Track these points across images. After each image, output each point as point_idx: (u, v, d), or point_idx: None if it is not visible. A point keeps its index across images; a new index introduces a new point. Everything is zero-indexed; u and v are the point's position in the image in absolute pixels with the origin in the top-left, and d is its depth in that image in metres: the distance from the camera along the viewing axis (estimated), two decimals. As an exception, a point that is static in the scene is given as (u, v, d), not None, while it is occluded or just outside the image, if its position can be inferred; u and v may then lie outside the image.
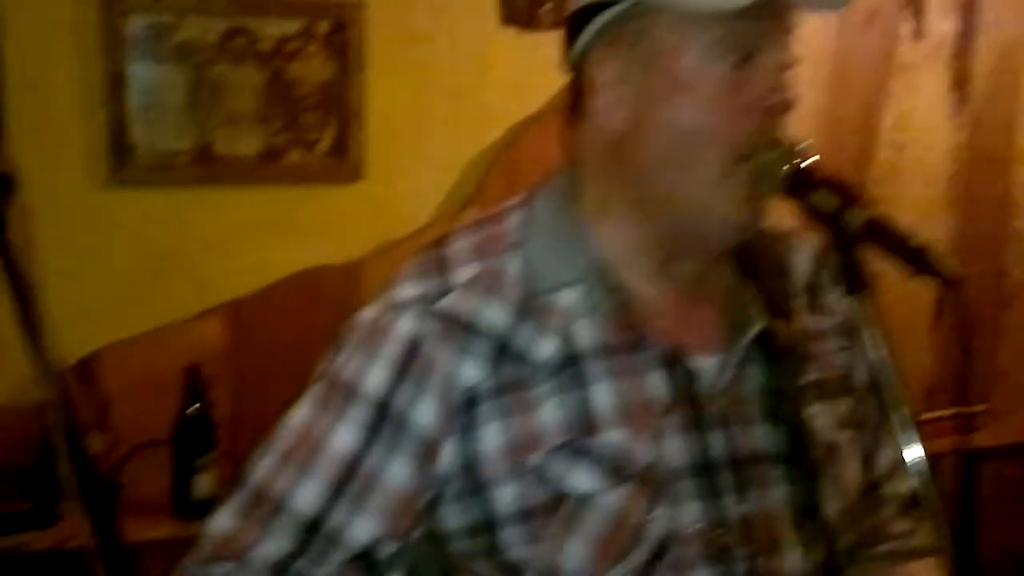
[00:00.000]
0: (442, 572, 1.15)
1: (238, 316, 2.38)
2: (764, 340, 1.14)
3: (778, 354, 1.14)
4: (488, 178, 2.55)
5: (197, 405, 2.19)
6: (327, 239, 2.45)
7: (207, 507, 2.15)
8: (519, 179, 2.47)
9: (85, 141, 2.30)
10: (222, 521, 1.08)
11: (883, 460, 1.27)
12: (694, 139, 1.06)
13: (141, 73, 2.31)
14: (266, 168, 2.44)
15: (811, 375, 1.16)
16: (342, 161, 2.48)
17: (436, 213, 2.55)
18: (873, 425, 1.25)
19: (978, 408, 2.69)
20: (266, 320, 2.41)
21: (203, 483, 2.17)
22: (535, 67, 2.51)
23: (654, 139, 1.07)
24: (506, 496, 1.07)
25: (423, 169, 2.52)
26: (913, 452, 0.98)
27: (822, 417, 1.16)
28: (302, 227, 2.44)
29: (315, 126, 2.46)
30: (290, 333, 2.41)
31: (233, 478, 2.22)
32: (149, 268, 2.34)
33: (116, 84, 2.29)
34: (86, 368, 2.27)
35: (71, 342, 2.23)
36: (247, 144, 2.42)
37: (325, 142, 2.47)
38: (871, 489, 1.27)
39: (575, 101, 1.14)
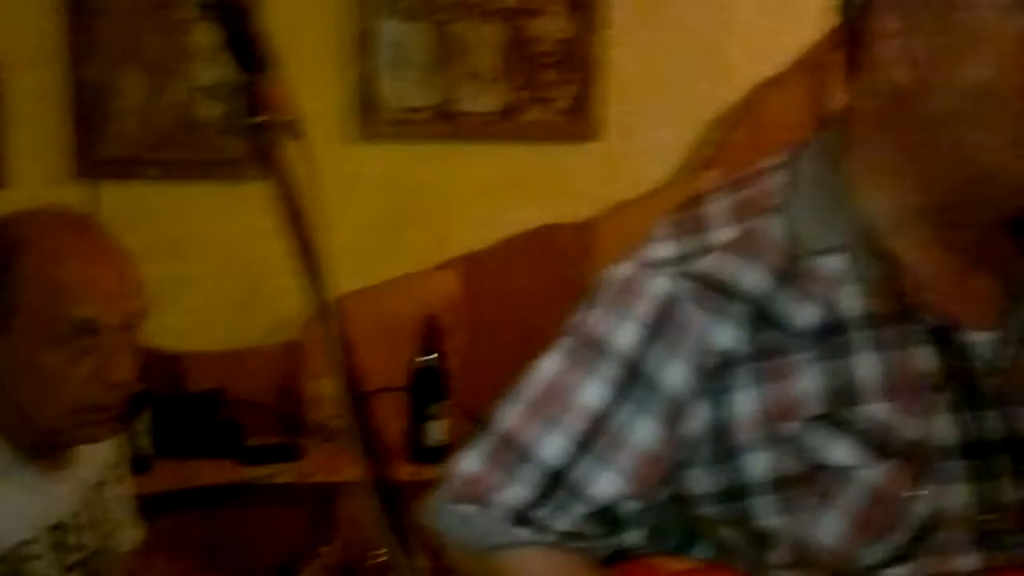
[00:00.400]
0: (684, 535, 1.14)
1: (473, 269, 2.44)
2: None
3: None
4: (730, 139, 2.48)
5: (433, 355, 2.25)
6: (562, 197, 2.47)
7: (439, 453, 2.25)
8: (763, 140, 2.41)
9: (337, 96, 2.40)
10: (469, 463, 1.10)
11: None
12: (989, 97, 0.98)
13: (388, 30, 2.38)
14: (505, 125, 2.47)
15: None
16: (580, 119, 2.48)
17: (673, 174, 2.51)
18: None
19: None
20: (500, 275, 2.45)
21: (436, 430, 2.25)
22: (780, 24, 2.42)
23: (944, 96, 1.00)
24: (759, 464, 1.04)
25: (662, 128, 2.48)
26: None
27: None
28: (538, 184, 2.47)
29: (554, 84, 2.47)
30: (522, 288, 2.45)
31: (465, 427, 2.30)
32: (391, 220, 2.43)
33: (365, 41, 2.38)
34: (328, 314, 2.37)
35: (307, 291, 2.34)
36: (487, 101, 2.46)
37: (564, 100, 2.48)
38: None
39: (850, 52, 1.08)
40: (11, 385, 1.26)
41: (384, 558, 1.79)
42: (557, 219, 2.46)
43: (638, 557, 1.13)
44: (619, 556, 1.14)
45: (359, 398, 0.94)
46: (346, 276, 2.54)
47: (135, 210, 1.90)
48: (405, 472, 2.17)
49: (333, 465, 2.26)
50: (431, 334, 2.26)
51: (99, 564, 1.43)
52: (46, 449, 1.33)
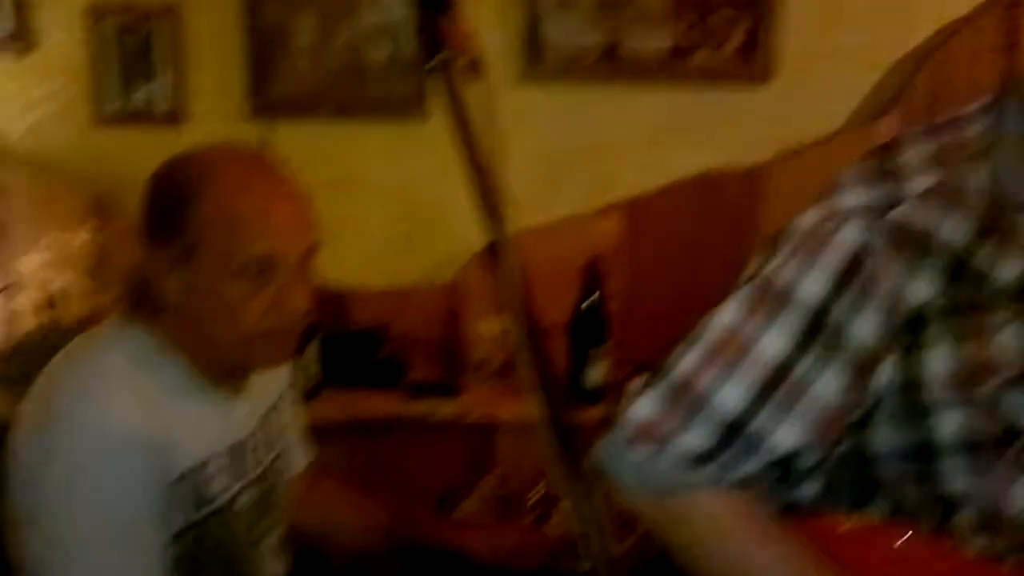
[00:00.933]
0: (859, 492, 1.11)
1: (637, 214, 2.41)
2: None
3: None
4: (912, 84, 2.36)
5: (594, 296, 2.25)
6: (730, 142, 2.40)
7: (598, 396, 2.25)
8: (946, 86, 2.28)
9: (502, 38, 2.39)
10: (645, 408, 1.09)
11: None
12: None
13: (554, -30, 2.36)
14: (672, 67, 2.42)
15: None
16: (751, 61, 2.40)
17: (848, 119, 2.41)
18: None
19: None
20: (663, 220, 2.42)
21: (595, 373, 2.25)
22: (972, -39, 2.28)
23: None
24: (949, 424, 1.00)
25: (838, 71, 2.38)
26: None
27: None
28: (705, 128, 2.41)
29: (726, 23, 2.40)
30: (686, 235, 2.41)
31: (622, 371, 2.29)
32: (554, 163, 2.42)
33: (532, -19, 2.36)
34: (493, 254, 2.39)
35: (481, 230, 2.36)
36: (655, 43, 2.41)
37: (735, 41, 2.40)
38: None
39: None
40: (195, 313, 1.32)
41: (542, 493, 1.83)
42: (725, 165, 2.40)
43: (812, 514, 1.11)
44: (791, 509, 1.12)
45: (533, 334, 0.94)
46: (510, 216, 2.56)
47: (306, 148, 1.95)
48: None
49: (492, 402, 2.30)
50: (593, 277, 2.26)
51: (271, 484, 1.50)
52: (226, 374, 1.39)
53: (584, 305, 2.25)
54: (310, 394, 2.22)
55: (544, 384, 0.91)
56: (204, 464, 1.35)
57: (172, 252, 1.28)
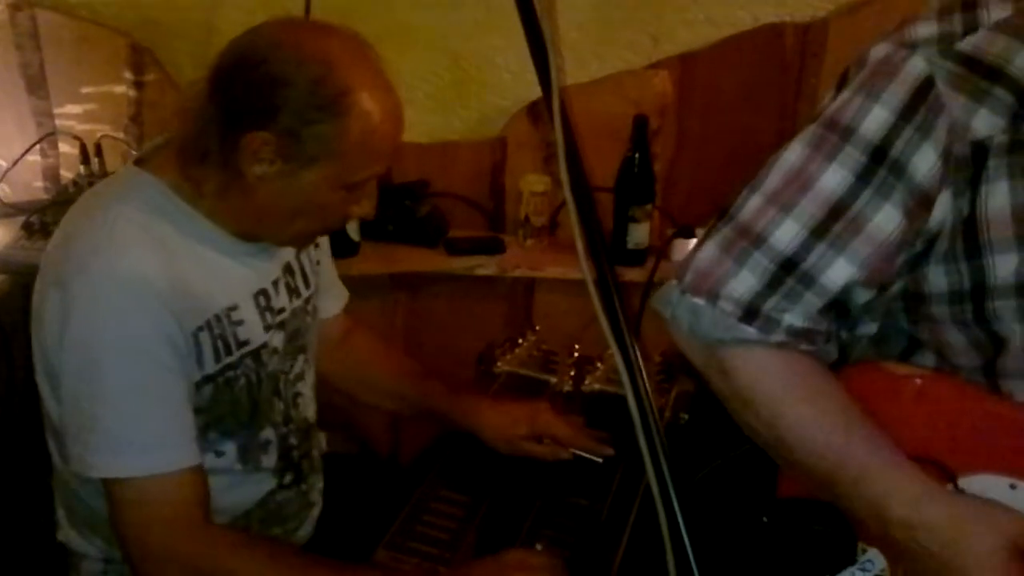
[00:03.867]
0: (908, 343, 1.09)
1: (688, 70, 2.33)
2: None
3: None
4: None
5: (641, 155, 2.19)
6: (786, -5, 2.29)
7: (641, 256, 2.23)
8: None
9: None
10: (705, 253, 1.07)
11: None
12: None
13: None
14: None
15: None
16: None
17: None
18: None
19: None
20: (715, 77, 2.33)
21: (638, 232, 2.21)
22: None
23: None
24: (1005, 265, 0.98)
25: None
26: None
27: None
28: (761, -19, 2.30)
29: None
30: (738, 93, 2.33)
31: (667, 231, 2.25)
32: (604, 16, 2.33)
33: None
34: (536, 111, 2.34)
35: (527, 86, 2.31)
36: None
37: None
38: None
39: None
40: (267, 201, 1.30)
41: (580, 353, 1.82)
42: (781, 18, 2.29)
43: (863, 364, 1.10)
44: (843, 363, 1.10)
45: (584, 191, 0.91)
46: (561, 72, 2.49)
47: (345, 3, 1.88)
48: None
49: (532, 260, 2.28)
50: (640, 135, 2.20)
51: (301, 326, 1.50)
52: (255, 239, 1.38)
53: (629, 163, 2.19)
54: (349, 249, 2.21)
55: (592, 241, 0.88)
56: (230, 310, 1.35)
57: (269, 142, 1.24)
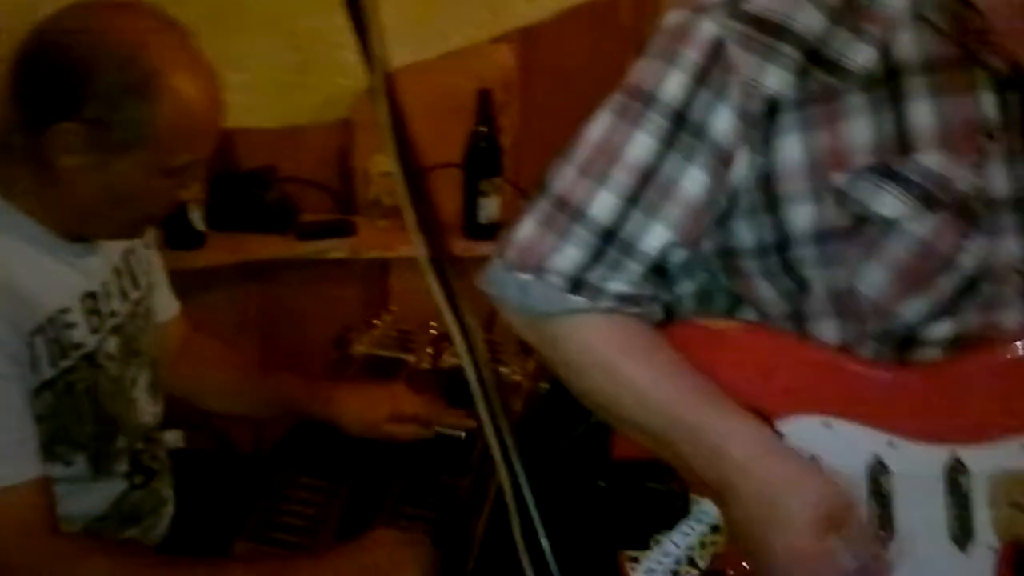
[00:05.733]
0: (730, 301, 1.13)
1: (529, 43, 2.35)
2: None
3: None
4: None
5: (486, 129, 2.20)
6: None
7: (492, 230, 2.24)
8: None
9: None
10: (524, 230, 1.09)
11: None
12: None
13: None
14: None
15: None
16: None
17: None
18: None
19: None
20: (557, 49, 2.36)
21: (489, 207, 2.22)
22: None
23: None
24: (803, 215, 1.02)
25: None
26: None
27: None
28: (600, -48, 2.32)
29: None
30: (579, 64, 2.36)
31: (517, 204, 2.27)
32: (443, -9, 2.32)
33: None
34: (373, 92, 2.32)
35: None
36: None
37: None
38: None
39: None
40: (85, 192, 1.26)
41: (437, 331, 1.83)
42: (617, -10, 2.33)
43: (688, 319, 1.13)
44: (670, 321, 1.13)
45: (415, 173, 0.91)
46: (399, 50, 2.47)
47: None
48: (458, 248, 2.17)
49: (385, 240, 2.27)
50: (485, 109, 2.20)
51: (132, 330, 1.45)
52: (82, 237, 1.34)
53: (476, 138, 2.20)
54: (194, 241, 2.15)
55: (426, 223, 0.88)
56: (62, 312, 1.31)
57: (77, 132, 1.20)
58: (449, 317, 0.88)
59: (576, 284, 1.04)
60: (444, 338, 1.79)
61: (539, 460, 1.27)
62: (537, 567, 0.89)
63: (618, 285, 1.05)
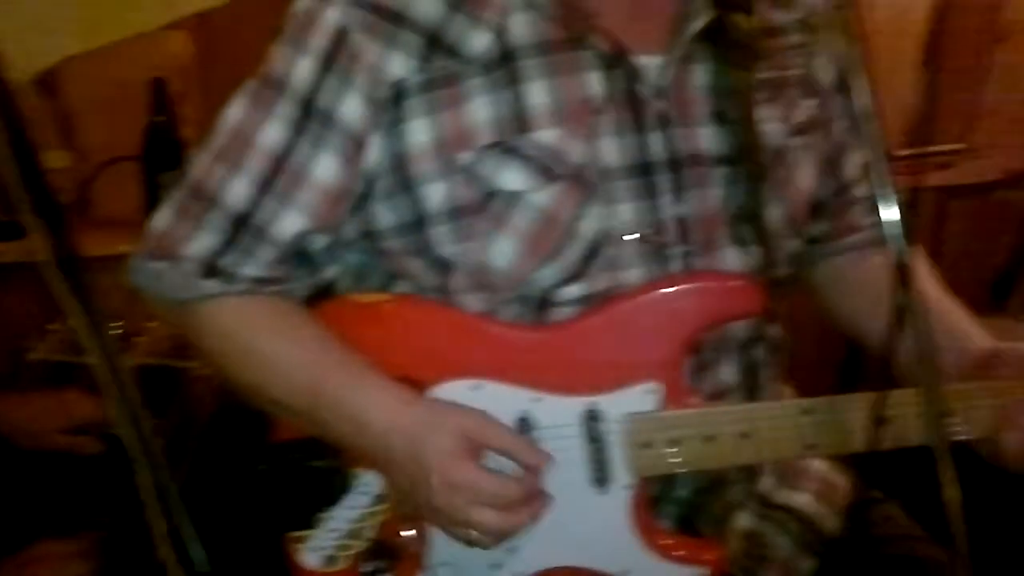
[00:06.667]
0: (385, 276, 1.17)
1: (207, 29, 2.29)
2: (714, 35, 1.09)
3: (727, 50, 1.09)
4: None
5: (162, 120, 2.13)
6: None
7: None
8: None
9: None
10: (162, 218, 1.09)
11: (851, 164, 1.26)
12: None
13: None
14: None
15: (764, 73, 1.12)
16: None
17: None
18: (839, 128, 1.22)
19: (956, 147, 2.66)
20: (235, 34, 2.31)
21: (173, 200, 2.16)
22: None
23: None
24: (435, 194, 1.06)
25: None
26: (887, 184, 0.88)
27: (773, 120, 1.13)
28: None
29: None
30: (259, 50, 2.32)
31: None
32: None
33: None
34: (48, 83, 2.20)
35: (30, 55, 2.15)
36: None
37: None
38: (840, 191, 1.26)
39: None
40: None
41: (121, 329, 1.76)
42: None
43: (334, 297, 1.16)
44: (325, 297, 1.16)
45: (32, 171, 0.88)
46: (66, 40, 2.34)
47: None
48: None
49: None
50: (161, 98, 2.13)
51: None
52: None
53: (152, 127, 2.13)
54: None
55: (47, 219, 0.85)
56: None
57: None
58: (78, 318, 0.86)
59: (209, 269, 1.05)
60: (126, 337, 1.74)
61: (232, 452, 1.27)
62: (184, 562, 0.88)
63: (252, 269, 1.06)
